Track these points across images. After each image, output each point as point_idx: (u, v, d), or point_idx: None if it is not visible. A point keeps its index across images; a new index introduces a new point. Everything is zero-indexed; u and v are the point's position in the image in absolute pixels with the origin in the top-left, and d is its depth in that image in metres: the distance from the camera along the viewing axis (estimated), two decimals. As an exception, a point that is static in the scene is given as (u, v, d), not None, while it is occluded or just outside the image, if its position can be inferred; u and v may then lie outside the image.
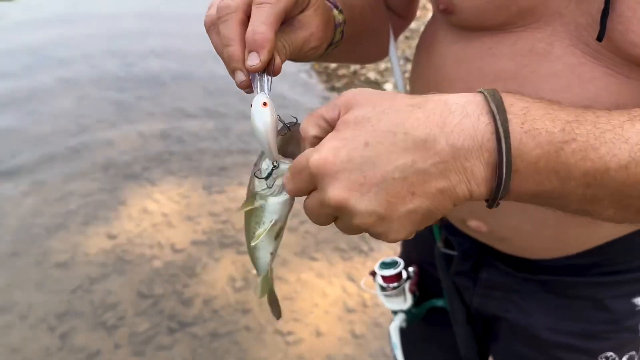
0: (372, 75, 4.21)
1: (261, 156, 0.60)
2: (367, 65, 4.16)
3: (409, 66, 3.79)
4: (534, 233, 0.81)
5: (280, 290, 2.42)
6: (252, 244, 0.64)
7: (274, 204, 0.61)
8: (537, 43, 0.68)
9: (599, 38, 0.62)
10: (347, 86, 4.20)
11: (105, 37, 4.95)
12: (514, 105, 0.48)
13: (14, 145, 3.42)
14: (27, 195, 2.99)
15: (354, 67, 4.29)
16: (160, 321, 2.28)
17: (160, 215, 2.84)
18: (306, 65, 4.57)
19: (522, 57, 0.69)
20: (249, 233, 0.65)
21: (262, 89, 0.55)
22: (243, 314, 2.32)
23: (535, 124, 0.47)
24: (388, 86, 3.99)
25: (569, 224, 0.78)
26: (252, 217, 0.64)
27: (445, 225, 0.97)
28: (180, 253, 2.62)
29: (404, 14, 0.93)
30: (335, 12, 0.69)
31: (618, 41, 0.62)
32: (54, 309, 2.32)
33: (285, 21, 0.58)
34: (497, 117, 0.47)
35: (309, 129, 0.51)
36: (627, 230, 0.83)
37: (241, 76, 0.55)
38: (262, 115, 0.54)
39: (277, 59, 0.55)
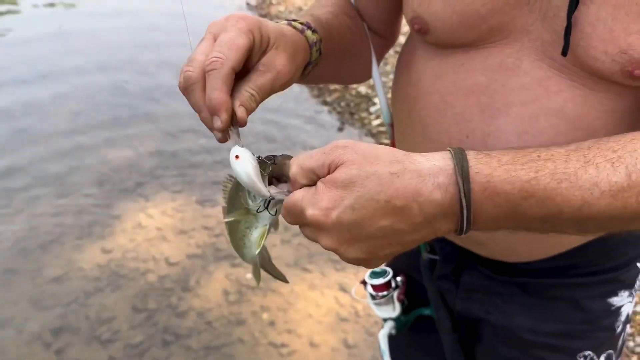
0: (362, 89, 4.26)
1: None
2: (358, 79, 4.21)
3: (399, 80, 3.82)
4: (510, 237, 0.83)
5: (273, 301, 2.45)
6: (257, 252, 0.68)
7: (266, 214, 0.66)
8: (507, 58, 0.73)
9: (564, 53, 0.66)
10: (338, 100, 4.26)
11: (99, 54, 4.98)
12: (479, 174, 0.55)
13: (8, 161, 3.44)
14: (21, 211, 3.01)
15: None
16: (155, 334, 2.29)
17: (154, 229, 2.87)
18: (298, 80, 4.62)
19: (492, 71, 0.73)
20: (237, 234, 0.70)
21: (236, 141, 0.62)
22: (237, 326, 2.34)
23: (496, 189, 0.55)
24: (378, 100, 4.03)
25: None
26: (241, 221, 0.69)
27: None
28: (174, 267, 2.64)
29: (386, 34, 0.95)
30: (308, 32, 0.73)
31: (581, 56, 0.67)
32: (49, 324, 2.34)
33: (250, 68, 0.64)
34: (462, 189, 0.54)
35: (300, 179, 0.58)
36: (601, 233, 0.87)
37: (216, 134, 0.63)
38: (238, 167, 0.60)
39: (240, 112, 0.62)
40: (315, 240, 0.58)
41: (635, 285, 0.95)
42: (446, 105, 0.78)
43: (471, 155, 0.56)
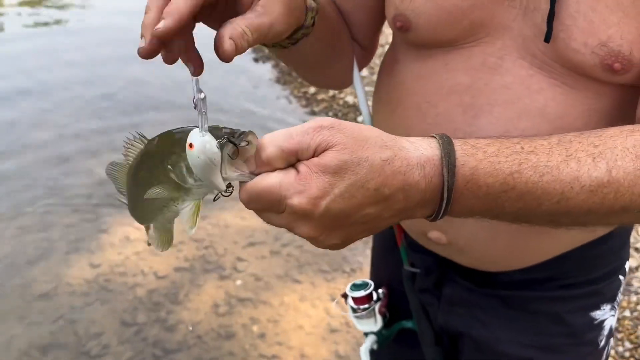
0: (350, 99, 4.27)
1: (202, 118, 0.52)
2: (345, 90, 4.23)
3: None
4: (490, 242, 0.84)
5: (263, 313, 2.44)
6: (193, 231, 0.57)
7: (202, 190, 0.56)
8: (488, 57, 0.73)
9: (546, 39, 0.67)
10: (326, 110, 4.26)
11: (85, 67, 4.97)
12: (465, 166, 0.55)
13: (-5, 176, 3.42)
14: (8, 226, 2.98)
15: (332, 91, 4.36)
16: (144, 349, 2.27)
17: (142, 242, 2.85)
18: (286, 91, 4.63)
19: (475, 71, 0.74)
20: (153, 202, 0.58)
21: (200, 120, 0.52)
22: (227, 339, 2.32)
23: (478, 182, 0.55)
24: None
25: (524, 234, 0.82)
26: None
27: (408, 242, 1.00)
28: (163, 280, 2.63)
29: (368, 46, 0.95)
30: None
31: (561, 49, 0.68)
32: (37, 341, 2.31)
33: (247, 8, 0.59)
34: (447, 182, 0.54)
35: (276, 162, 0.52)
36: (581, 242, 0.87)
37: (142, 43, 0.54)
38: (194, 160, 0.51)
39: (229, 45, 0.55)
40: (288, 229, 0.55)
41: (617, 299, 0.95)
42: (428, 105, 0.78)
43: (458, 146, 0.55)
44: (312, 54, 0.80)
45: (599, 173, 0.56)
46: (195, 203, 0.56)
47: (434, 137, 0.56)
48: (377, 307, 1.06)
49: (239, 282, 2.59)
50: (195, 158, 0.51)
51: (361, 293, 1.04)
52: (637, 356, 2.16)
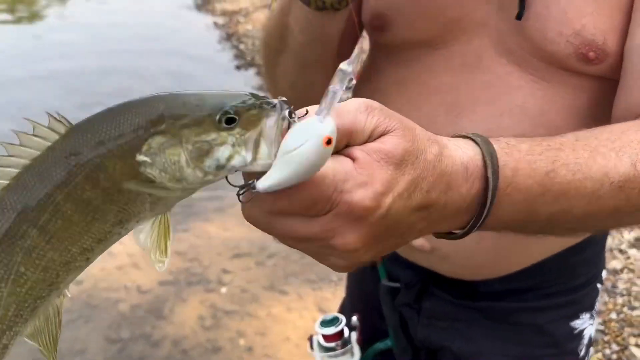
0: (333, 105, 4.28)
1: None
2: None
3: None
4: (474, 246, 0.82)
5: (250, 326, 2.41)
6: (165, 265, 0.42)
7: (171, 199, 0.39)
8: (468, 56, 0.74)
9: (518, 17, 0.67)
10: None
11: (66, 77, 4.93)
12: (506, 167, 0.48)
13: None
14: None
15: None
16: (129, 366, 2.24)
17: (125, 256, 2.81)
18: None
19: (455, 71, 0.75)
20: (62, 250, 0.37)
21: (328, 109, 0.38)
22: (213, 353, 2.30)
23: (518, 185, 0.49)
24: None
25: (507, 238, 0.81)
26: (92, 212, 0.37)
27: (388, 257, 0.98)
28: (147, 294, 2.59)
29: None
30: None
31: (537, 40, 0.68)
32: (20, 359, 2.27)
33: None
34: (491, 186, 0.47)
35: None
36: (562, 247, 0.87)
37: None
38: (319, 158, 0.37)
39: None
40: (322, 239, 0.42)
41: (595, 307, 0.95)
42: (411, 107, 0.78)
43: (496, 145, 0.48)
44: (334, 34, 0.78)
45: (625, 168, 0.54)
46: (160, 220, 0.39)
47: (467, 136, 0.49)
48: (354, 339, 0.98)
49: (224, 293, 2.56)
50: (320, 154, 0.37)
51: (332, 330, 0.95)
52: (624, 358, 2.17)
